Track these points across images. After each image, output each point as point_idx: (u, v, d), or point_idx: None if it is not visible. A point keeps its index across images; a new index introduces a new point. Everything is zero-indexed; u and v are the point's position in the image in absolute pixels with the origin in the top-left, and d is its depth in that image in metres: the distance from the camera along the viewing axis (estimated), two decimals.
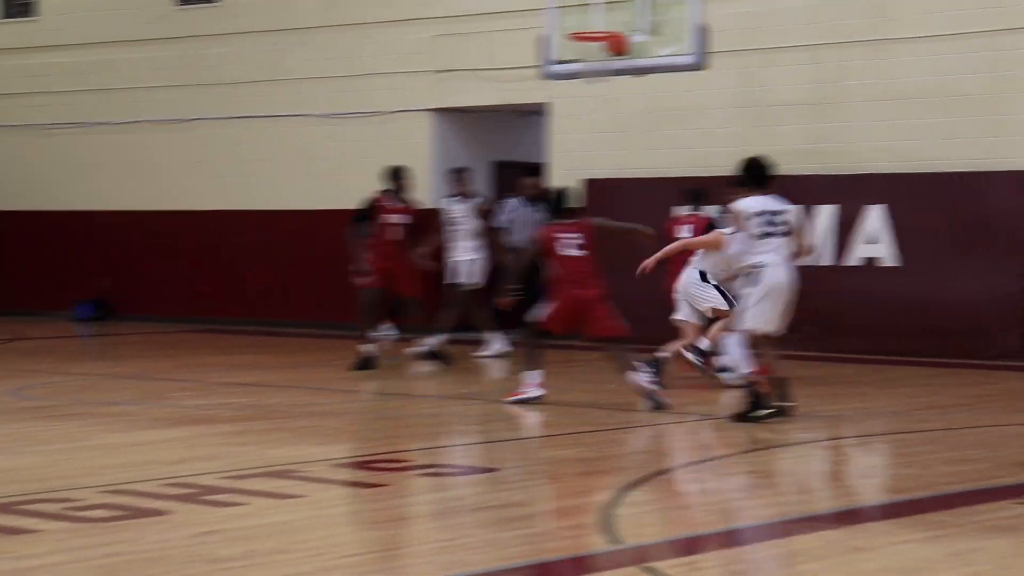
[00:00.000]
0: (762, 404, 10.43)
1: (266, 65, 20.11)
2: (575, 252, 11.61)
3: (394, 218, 14.11)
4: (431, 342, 14.79)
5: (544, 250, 11.76)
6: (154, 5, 20.98)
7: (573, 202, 12.00)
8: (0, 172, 22.53)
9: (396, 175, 14.97)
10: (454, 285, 15.27)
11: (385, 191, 14.45)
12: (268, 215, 20.03)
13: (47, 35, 21.91)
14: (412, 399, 12.48)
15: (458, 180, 15.81)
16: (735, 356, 10.65)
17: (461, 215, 15.48)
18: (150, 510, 7.46)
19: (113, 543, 6.77)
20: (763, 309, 10.54)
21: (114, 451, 9.75)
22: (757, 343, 10.66)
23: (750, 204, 10.66)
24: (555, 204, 12.05)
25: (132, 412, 11.60)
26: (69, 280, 21.65)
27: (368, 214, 14.15)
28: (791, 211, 10.85)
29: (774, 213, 10.67)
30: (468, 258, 15.36)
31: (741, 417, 10.44)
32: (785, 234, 10.70)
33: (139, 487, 8.08)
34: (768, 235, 10.59)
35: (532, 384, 11.64)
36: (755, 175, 10.79)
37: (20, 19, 22.23)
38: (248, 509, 7.59)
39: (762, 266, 10.57)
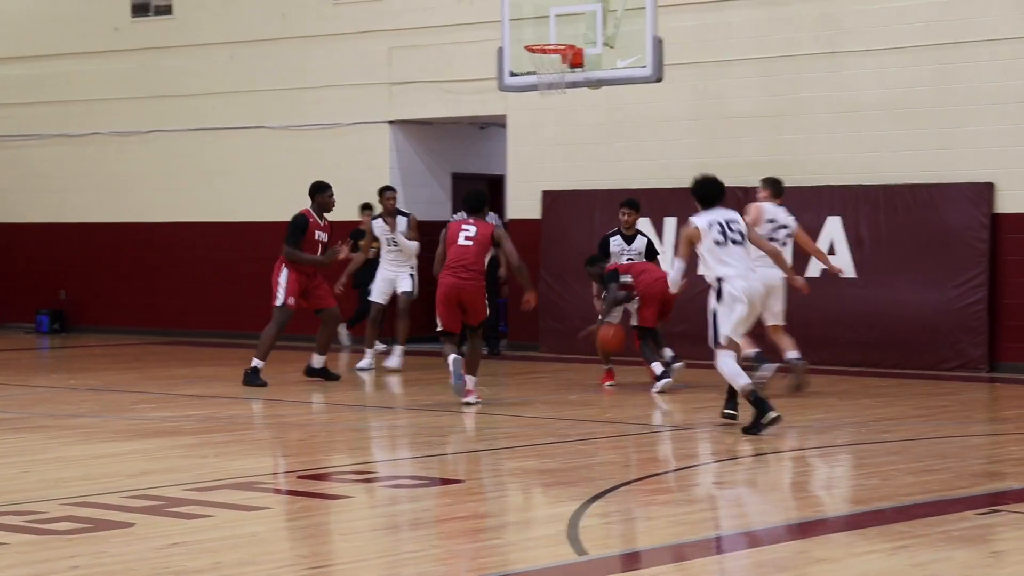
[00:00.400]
0: (764, 411, 10.45)
1: (223, 77, 20.04)
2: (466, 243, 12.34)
3: (319, 235, 14.09)
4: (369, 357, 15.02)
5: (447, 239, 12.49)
6: (110, 17, 20.87)
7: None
8: None
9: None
10: (373, 299, 15.41)
11: (314, 208, 14.37)
12: (228, 226, 19.94)
13: (2, 47, 21.74)
14: (375, 410, 12.43)
15: (382, 199, 15.80)
16: (730, 372, 10.65)
17: (383, 232, 15.43)
18: (115, 522, 7.39)
19: (78, 555, 6.70)
20: (728, 321, 10.58)
21: (75, 464, 9.67)
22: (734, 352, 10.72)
23: (700, 220, 10.73)
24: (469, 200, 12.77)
25: (93, 424, 11.51)
26: (28, 292, 21.48)
27: (303, 232, 14.05)
28: (741, 221, 10.92)
29: (728, 224, 10.70)
30: (394, 274, 15.41)
31: (753, 428, 10.44)
32: (740, 244, 10.74)
33: (102, 499, 8.01)
34: (722, 246, 10.63)
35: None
36: (701, 195, 10.80)
37: None
38: (213, 521, 7.54)
39: (722, 279, 10.61)
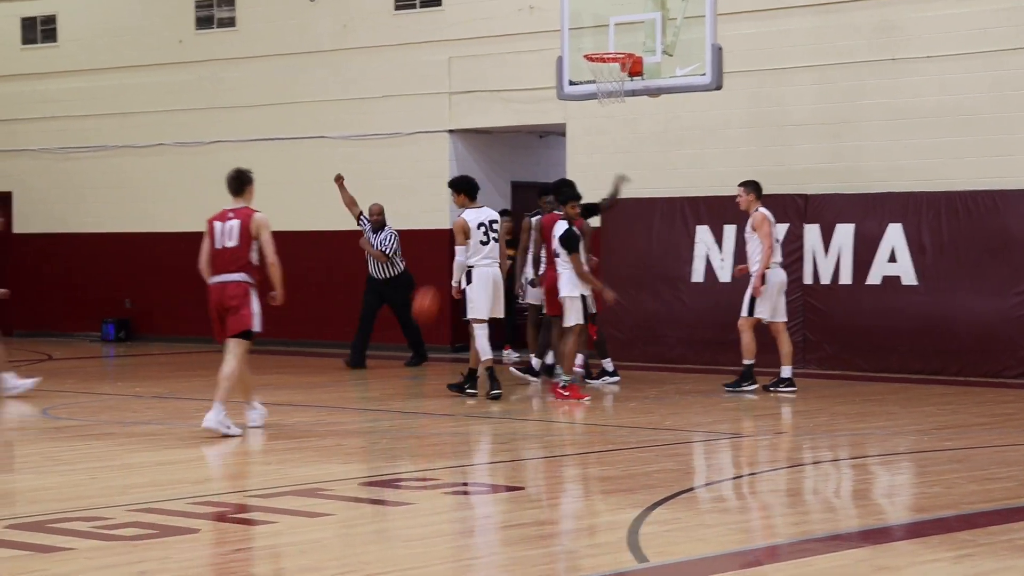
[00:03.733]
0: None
1: (284, 88, 20.18)
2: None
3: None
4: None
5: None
6: (174, 30, 21.07)
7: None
8: (22, 195, 22.62)
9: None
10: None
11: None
12: (290, 236, 20.02)
13: (66, 60, 22.01)
14: (436, 418, 12.47)
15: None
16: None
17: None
18: (180, 528, 7.46)
19: (145, 560, 6.77)
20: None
21: (141, 470, 9.77)
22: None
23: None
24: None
25: (158, 432, 11.62)
26: (94, 301, 21.72)
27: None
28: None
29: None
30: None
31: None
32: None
33: (168, 506, 8.09)
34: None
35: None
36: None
37: (39, 45, 22.33)
38: (277, 527, 7.60)
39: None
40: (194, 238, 20.70)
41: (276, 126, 20.22)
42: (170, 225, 21.15)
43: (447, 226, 18.24)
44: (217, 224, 11.33)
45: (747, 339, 13.72)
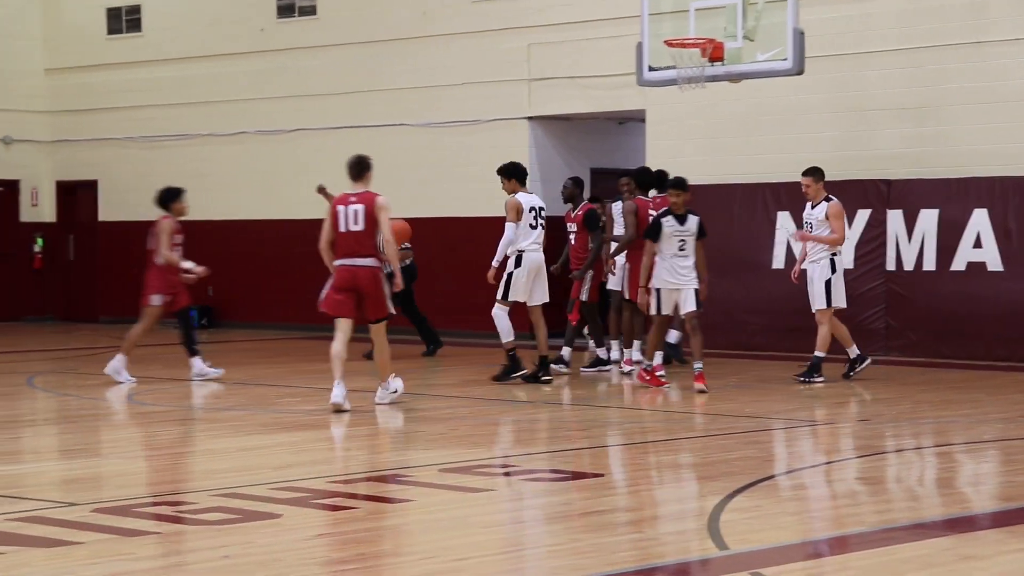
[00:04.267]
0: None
1: (364, 76, 20.27)
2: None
3: None
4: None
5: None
6: (255, 19, 21.23)
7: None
8: (107, 184, 22.92)
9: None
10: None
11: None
12: None
13: (151, 50, 22.26)
14: (516, 404, 12.48)
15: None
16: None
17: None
18: (262, 513, 7.53)
19: (228, 545, 6.84)
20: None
21: (224, 456, 9.87)
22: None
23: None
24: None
25: (240, 418, 11.73)
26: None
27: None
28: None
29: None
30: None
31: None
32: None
33: (250, 491, 8.16)
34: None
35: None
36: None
37: (125, 35, 22.59)
38: (358, 513, 7.64)
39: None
40: (276, 225, 21.03)
41: (356, 114, 20.32)
42: (252, 213, 21.34)
43: None
44: (340, 208, 11.75)
45: (827, 331, 13.51)
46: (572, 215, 14.72)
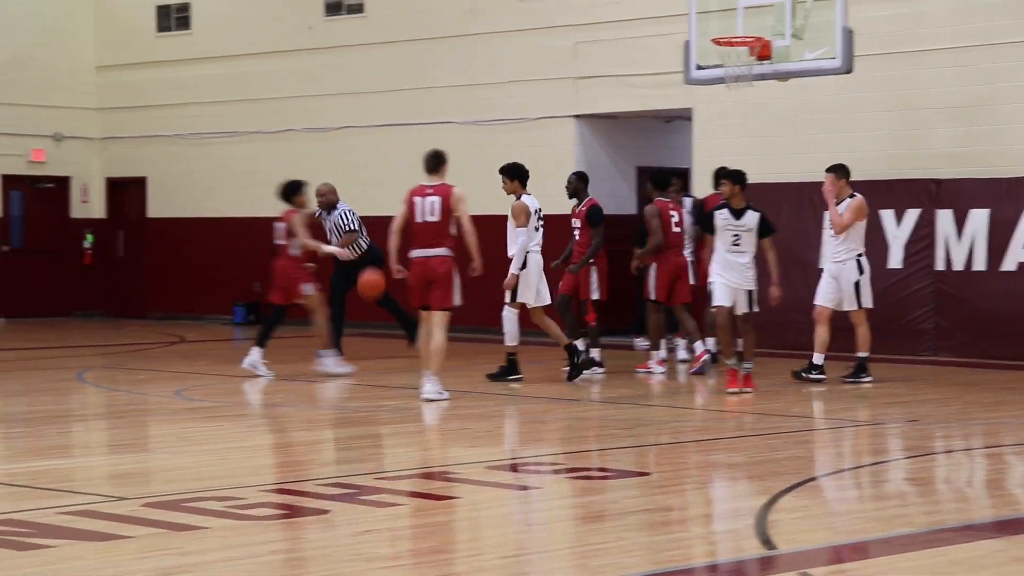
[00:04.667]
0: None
1: (411, 73, 20.32)
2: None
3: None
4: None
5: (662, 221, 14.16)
6: (302, 16, 21.33)
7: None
8: (156, 181, 23.08)
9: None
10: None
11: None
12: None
13: (200, 48, 22.40)
14: (560, 403, 12.47)
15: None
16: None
17: (328, 225, 15.45)
18: (310, 509, 7.57)
19: (277, 540, 6.89)
20: None
21: (271, 452, 9.93)
22: None
23: None
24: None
25: (288, 414, 11.79)
26: (225, 284, 22.08)
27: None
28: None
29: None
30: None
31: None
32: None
33: (298, 487, 8.20)
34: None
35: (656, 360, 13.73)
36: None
37: (174, 32, 22.75)
38: (404, 510, 7.67)
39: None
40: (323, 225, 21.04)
41: (402, 112, 20.37)
42: None
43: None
44: (417, 199, 12.09)
45: (866, 331, 13.42)
46: (576, 211, 14.58)
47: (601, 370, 14.28)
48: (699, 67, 14.45)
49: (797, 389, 13.15)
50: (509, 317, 13.52)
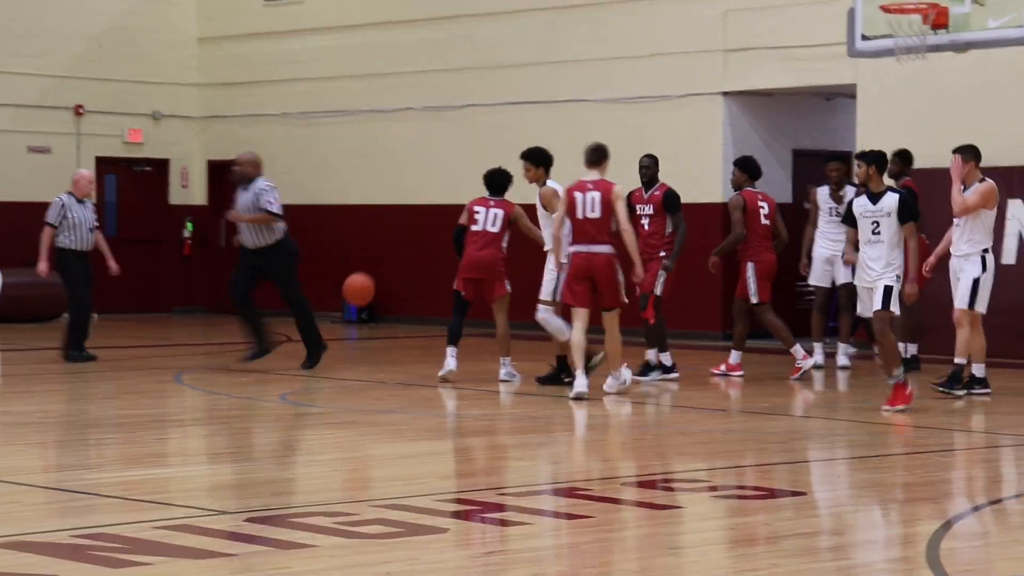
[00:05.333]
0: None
1: (541, 46, 20.32)
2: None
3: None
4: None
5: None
6: None
7: None
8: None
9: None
10: None
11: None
12: None
13: (311, 18, 22.62)
14: (707, 413, 12.40)
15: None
16: None
17: (825, 202, 15.43)
18: (428, 527, 7.60)
19: (391, 561, 6.92)
20: None
21: (385, 463, 10.00)
22: None
23: None
24: None
25: (402, 421, 11.87)
26: (338, 278, 22.23)
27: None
28: None
29: None
30: (833, 253, 15.17)
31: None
32: None
33: (414, 502, 8.25)
34: None
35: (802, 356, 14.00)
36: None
37: (283, 2, 23.00)
38: (531, 529, 7.67)
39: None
40: (445, 211, 21.18)
41: (533, 88, 20.39)
42: (419, 197, 21.53)
43: (720, 199, 18.13)
44: (577, 195, 12.70)
45: (966, 335, 12.92)
46: (646, 196, 14.26)
47: (675, 374, 14.09)
48: (865, 38, 14.31)
49: (969, 400, 12.90)
50: (550, 317, 13.44)
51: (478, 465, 9.80)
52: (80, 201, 15.59)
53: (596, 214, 12.58)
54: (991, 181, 13.19)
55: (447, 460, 10.08)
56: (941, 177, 16.58)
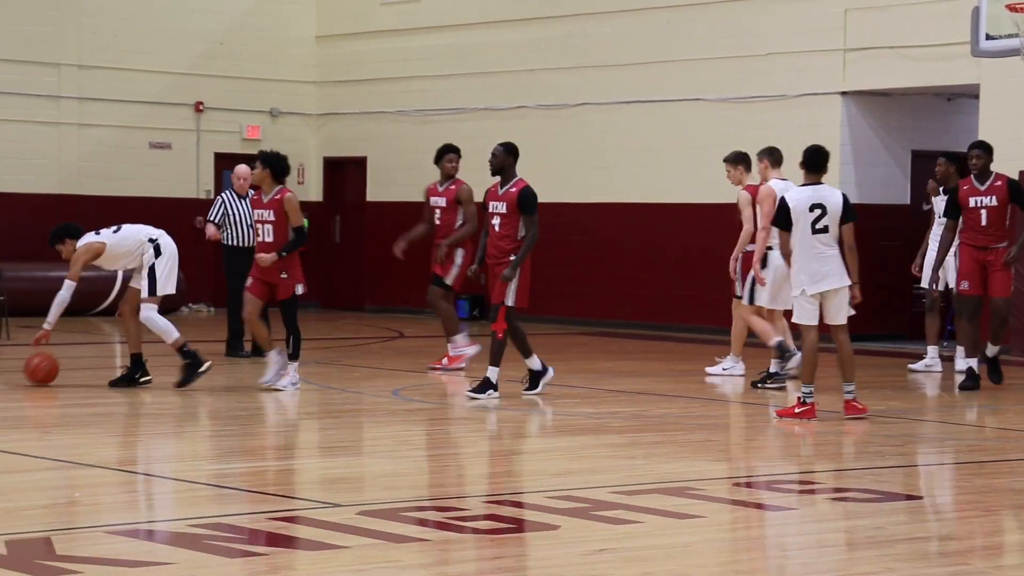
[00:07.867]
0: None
1: (657, 45, 20.28)
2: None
3: None
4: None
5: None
6: None
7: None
8: (377, 161, 23.54)
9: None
10: None
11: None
12: (658, 208, 20.18)
13: (428, 16, 22.75)
14: (818, 414, 12.31)
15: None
16: None
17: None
18: (539, 524, 7.63)
19: (501, 557, 6.96)
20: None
21: (496, 459, 10.05)
22: None
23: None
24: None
25: (514, 418, 11.91)
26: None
27: None
28: None
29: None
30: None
31: None
32: None
33: (525, 498, 8.28)
34: None
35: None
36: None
37: (401, 1, 23.15)
38: (642, 528, 7.67)
39: None
40: (556, 210, 21.23)
41: (646, 87, 20.35)
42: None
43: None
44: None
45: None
46: (500, 192, 14.03)
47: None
48: (989, 37, 14.14)
49: None
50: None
51: (590, 463, 9.80)
52: (241, 197, 15.70)
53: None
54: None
55: (559, 457, 10.09)
56: None
